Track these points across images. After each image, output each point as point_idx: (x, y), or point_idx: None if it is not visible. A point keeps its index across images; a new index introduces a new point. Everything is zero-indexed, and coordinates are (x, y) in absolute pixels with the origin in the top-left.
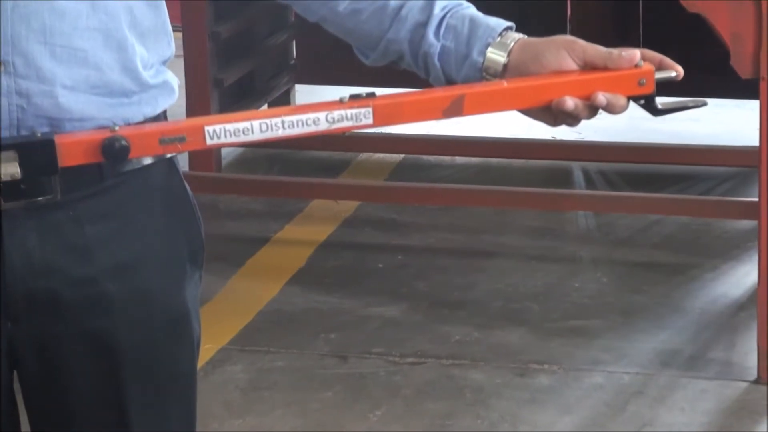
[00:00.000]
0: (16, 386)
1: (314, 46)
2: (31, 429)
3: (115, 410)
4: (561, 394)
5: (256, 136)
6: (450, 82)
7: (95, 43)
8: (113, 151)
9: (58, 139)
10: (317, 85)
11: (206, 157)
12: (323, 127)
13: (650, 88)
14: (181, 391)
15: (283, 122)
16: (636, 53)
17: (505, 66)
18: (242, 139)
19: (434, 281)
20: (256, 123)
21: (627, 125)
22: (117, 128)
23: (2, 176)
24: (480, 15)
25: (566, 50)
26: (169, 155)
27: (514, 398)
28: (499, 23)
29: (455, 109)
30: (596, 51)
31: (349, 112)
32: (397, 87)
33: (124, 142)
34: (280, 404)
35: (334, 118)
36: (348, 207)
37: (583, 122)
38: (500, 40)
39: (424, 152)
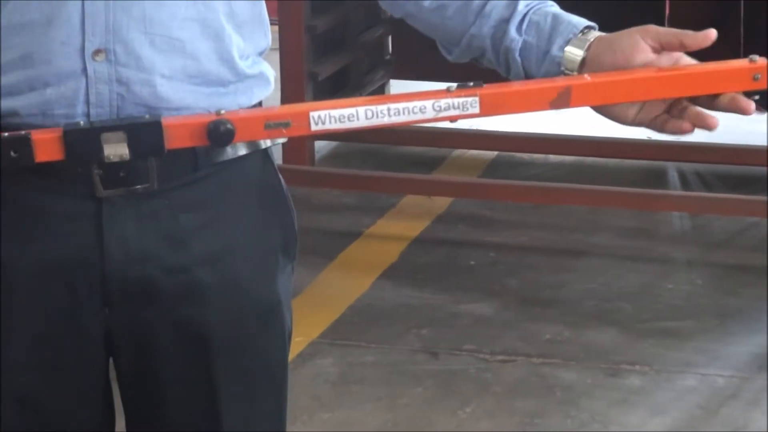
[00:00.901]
0: (112, 374)
1: (410, 41)
2: (125, 414)
3: (206, 398)
4: (652, 396)
5: (361, 122)
6: (529, 77)
7: (193, 33)
8: (218, 134)
9: (164, 122)
10: (413, 80)
11: (300, 150)
12: (429, 115)
13: (765, 84)
14: (271, 381)
15: (388, 109)
16: (712, 30)
17: (583, 60)
18: (347, 125)
19: (526, 279)
20: (361, 110)
21: (723, 126)
22: (223, 112)
23: (111, 157)
24: (563, 13)
25: (639, 34)
26: (263, 146)
27: (605, 398)
28: (581, 21)
29: (562, 101)
30: (669, 30)
31: (456, 100)
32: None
33: (229, 126)
34: (370, 398)
35: (440, 107)
36: (441, 203)
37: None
38: (581, 37)
39: (518, 149)
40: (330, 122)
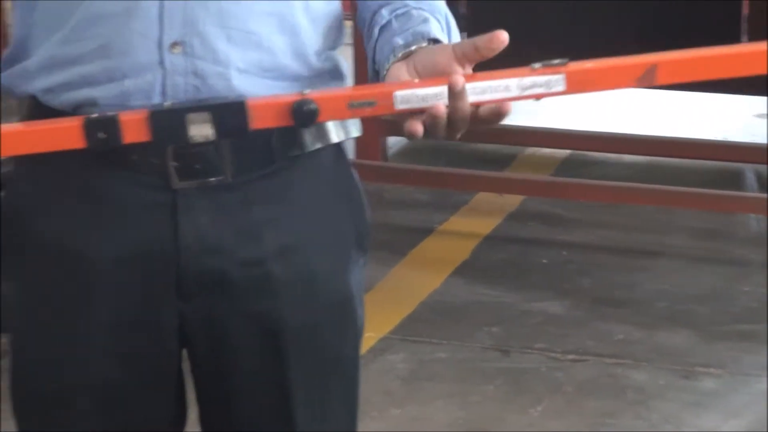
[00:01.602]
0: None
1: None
2: (198, 406)
3: (278, 391)
4: (727, 399)
5: (446, 101)
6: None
7: (269, 27)
8: (302, 114)
9: (249, 102)
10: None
11: (373, 146)
12: (514, 93)
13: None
14: (343, 375)
15: (473, 88)
16: (502, 32)
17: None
18: (431, 104)
19: (597, 278)
20: (446, 89)
21: None
22: (307, 92)
23: (196, 137)
24: (434, 28)
25: (451, 46)
26: (336, 141)
27: (678, 400)
28: (436, 36)
29: (648, 78)
30: (466, 41)
31: (541, 78)
32: None
33: (313, 106)
34: (441, 395)
35: (525, 85)
36: (513, 201)
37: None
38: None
39: (591, 148)
40: (415, 101)
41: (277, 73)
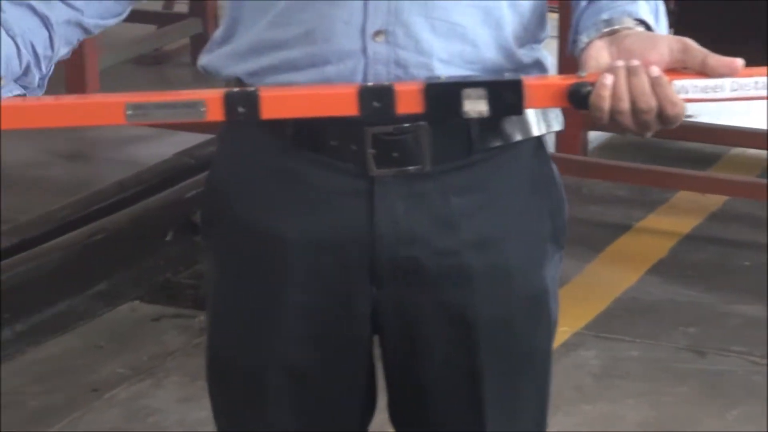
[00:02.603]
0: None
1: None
2: (387, 393)
3: (469, 382)
4: None
5: (725, 94)
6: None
7: (473, 19)
8: (579, 96)
9: (525, 81)
10: None
11: (573, 140)
12: (726, 94)
13: None
14: (535, 369)
15: (755, 83)
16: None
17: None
18: (710, 96)
19: None
20: (728, 82)
21: None
22: (584, 74)
23: (470, 113)
24: (641, 9)
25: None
26: (537, 134)
27: None
28: (639, 15)
29: None
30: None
31: (749, 80)
32: None
33: (590, 88)
34: (632, 393)
35: (736, 86)
36: (715, 201)
37: None
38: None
39: None
40: (693, 92)
41: (479, 65)
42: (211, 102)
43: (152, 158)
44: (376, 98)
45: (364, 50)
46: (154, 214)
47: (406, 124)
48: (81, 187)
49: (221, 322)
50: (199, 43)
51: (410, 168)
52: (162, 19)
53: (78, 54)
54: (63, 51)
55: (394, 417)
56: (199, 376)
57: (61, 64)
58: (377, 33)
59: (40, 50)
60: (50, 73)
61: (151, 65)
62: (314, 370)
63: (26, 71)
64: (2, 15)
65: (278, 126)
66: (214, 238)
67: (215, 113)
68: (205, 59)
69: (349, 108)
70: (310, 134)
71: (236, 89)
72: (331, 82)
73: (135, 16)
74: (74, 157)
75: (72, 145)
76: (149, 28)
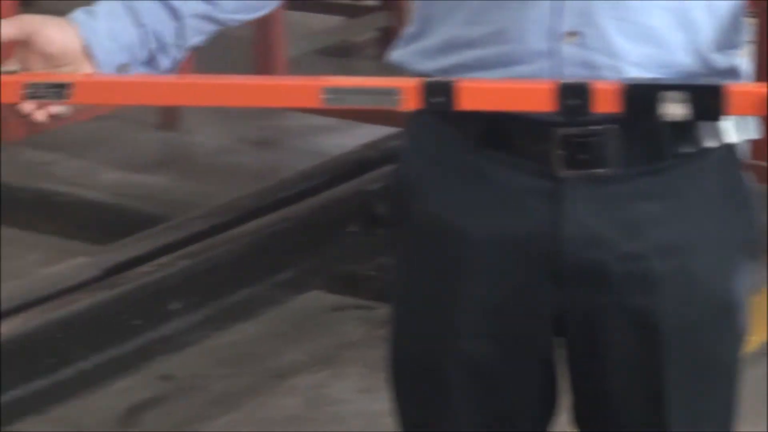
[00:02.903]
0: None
1: None
2: (571, 394)
3: (653, 388)
4: None
5: None
6: None
7: (667, 21)
8: None
9: (727, 87)
10: None
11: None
12: None
13: None
14: (722, 379)
15: None
16: None
17: None
18: None
19: None
20: None
21: None
22: None
23: (668, 115)
24: None
25: None
26: (731, 141)
27: None
28: None
29: None
30: None
31: None
32: None
33: None
34: None
35: None
36: None
37: None
38: None
39: None
40: None
41: (671, 69)
42: (407, 90)
43: (337, 149)
44: (574, 95)
45: (554, 51)
46: (338, 204)
47: (596, 127)
48: (268, 175)
49: (403, 315)
50: (386, 36)
51: (598, 170)
52: (351, 10)
53: (266, 42)
54: (196, 40)
55: (578, 419)
56: (378, 368)
57: (250, 52)
58: (568, 34)
59: (167, 40)
60: (182, 58)
61: (337, 57)
62: (495, 369)
63: (151, 59)
64: (132, 4)
65: (465, 123)
66: (398, 232)
67: (411, 102)
68: (395, 54)
69: (546, 104)
70: (497, 133)
71: (433, 78)
72: None
73: (324, 7)
74: (263, 145)
75: (261, 133)
76: (337, 20)
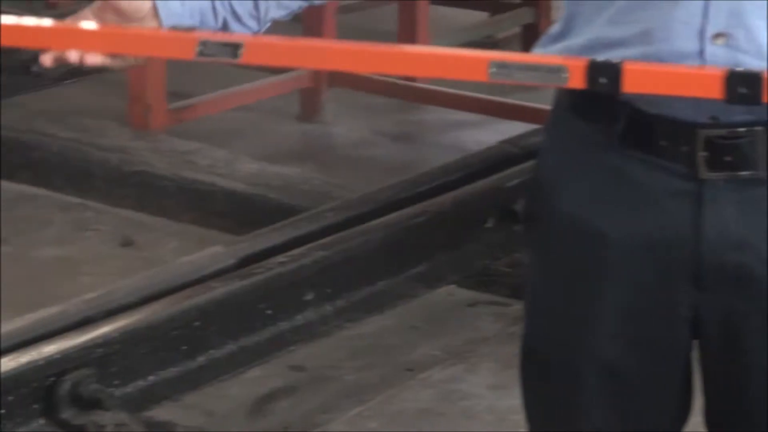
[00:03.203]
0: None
1: None
2: (705, 399)
3: None
4: None
5: None
6: None
7: None
8: None
9: None
10: None
11: None
12: None
13: None
14: None
15: None
16: None
17: None
18: None
19: None
20: None
21: None
22: None
23: None
24: None
25: None
26: None
27: None
28: None
29: None
30: None
31: None
32: None
33: None
34: None
35: None
36: None
37: None
38: None
39: None
40: None
41: None
42: (573, 69)
43: (476, 145)
44: (744, 84)
45: (701, 52)
46: (475, 200)
47: (741, 129)
48: (405, 169)
49: (538, 314)
50: (529, 32)
51: (743, 173)
52: (496, 6)
53: (410, 36)
54: (278, 14)
55: (711, 422)
56: (511, 365)
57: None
58: (717, 35)
59: (239, 10)
60: (261, 30)
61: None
62: (631, 370)
63: (224, 27)
64: None
65: (607, 122)
66: (535, 230)
67: (576, 81)
68: (538, 52)
69: (713, 91)
70: (639, 132)
71: (600, 59)
72: None
73: (469, 2)
74: (400, 139)
75: (399, 127)
76: (481, 15)
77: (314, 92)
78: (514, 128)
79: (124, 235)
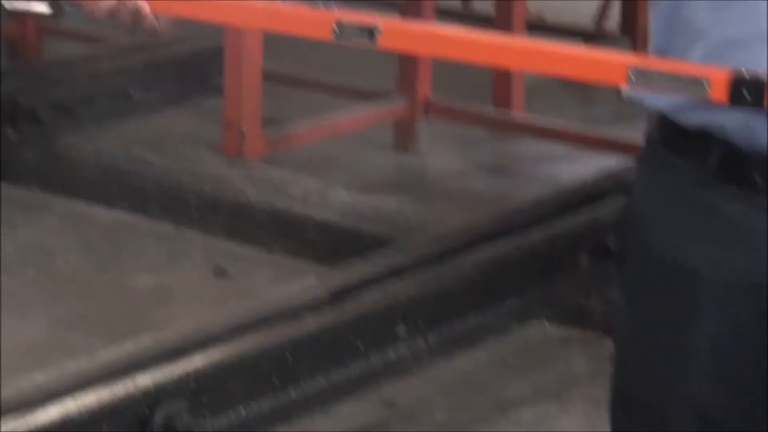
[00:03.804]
0: None
1: None
2: None
3: None
4: None
5: None
6: None
7: None
8: None
9: None
10: None
11: None
12: None
13: None
14: None
15: None
16: None
17: None
18: None
19: None
20: None
21: None
22: None
23: None
24: None
25: None
26: None
27: None
28: None
29: None
30: None
31: None
32: None
33: None
34: None
35: None
36: None
37: None
38: None
39: None
40: None
41: None
42: (715, 81)
43: (570, 178)
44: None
45: None
46: (569, 234)
47: None
48: (499, 201)
49: (628, 354)
50: None
51: None
52: (591, 36)
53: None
54: None
55: None
56: (604, 405)
57: (489, 75)
58: None
59: None
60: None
61: (578, 85)
62: (724, 415)
63: None
64: None
65: (701, 156)
66: (627, 267)
67: (718, 93)
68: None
69: None
70: (734, 167)
71: (745, 69)
72: (755, 125)
73: (564, 32)
74: (495, 170)
75: (494, 158)
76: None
77: (409, 122)
78: (609, 161)
79: (216, 264)
